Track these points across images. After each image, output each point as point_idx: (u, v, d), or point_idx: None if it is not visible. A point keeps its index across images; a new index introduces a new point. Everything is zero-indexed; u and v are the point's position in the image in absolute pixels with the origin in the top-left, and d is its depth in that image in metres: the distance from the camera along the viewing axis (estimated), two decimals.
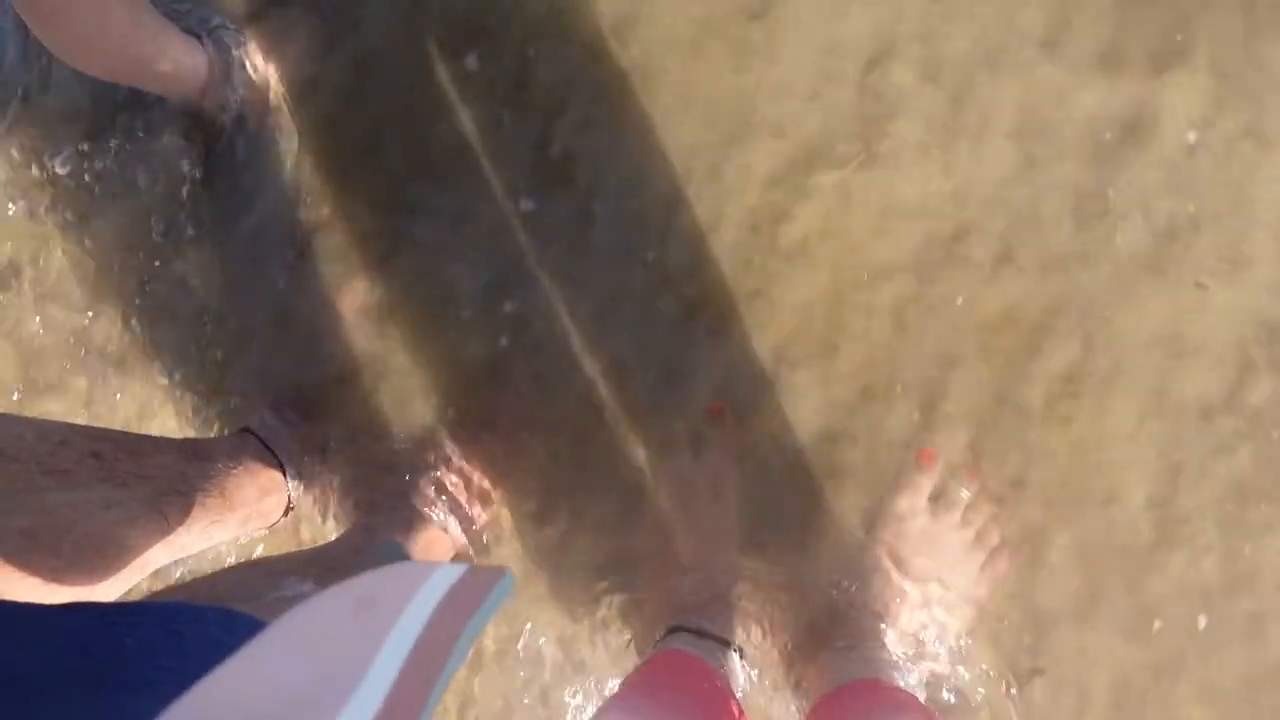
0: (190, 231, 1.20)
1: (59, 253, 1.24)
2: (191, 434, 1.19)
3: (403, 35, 1.18)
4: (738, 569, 1.11)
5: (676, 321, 1.14)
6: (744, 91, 1.13)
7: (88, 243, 1.22)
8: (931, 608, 1.09)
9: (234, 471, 1.01)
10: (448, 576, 0.41)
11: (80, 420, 1.22)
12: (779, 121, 1.13)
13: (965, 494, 1.10)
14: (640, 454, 1.14)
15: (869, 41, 1.11)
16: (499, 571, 0.42)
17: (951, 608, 1.09)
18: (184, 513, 0.92)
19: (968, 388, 1.11)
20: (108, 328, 1.22)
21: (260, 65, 1.15)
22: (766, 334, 1.13)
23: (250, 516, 1.03)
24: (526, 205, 1.16)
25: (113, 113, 1.22)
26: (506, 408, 1.14)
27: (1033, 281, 1.09)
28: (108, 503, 0.84)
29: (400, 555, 0.70)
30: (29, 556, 0.73)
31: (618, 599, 1.15)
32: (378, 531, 1.07)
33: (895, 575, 1.09)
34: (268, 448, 1.06)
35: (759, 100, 1.13)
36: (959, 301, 1.10)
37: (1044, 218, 1.09)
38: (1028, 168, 1.09)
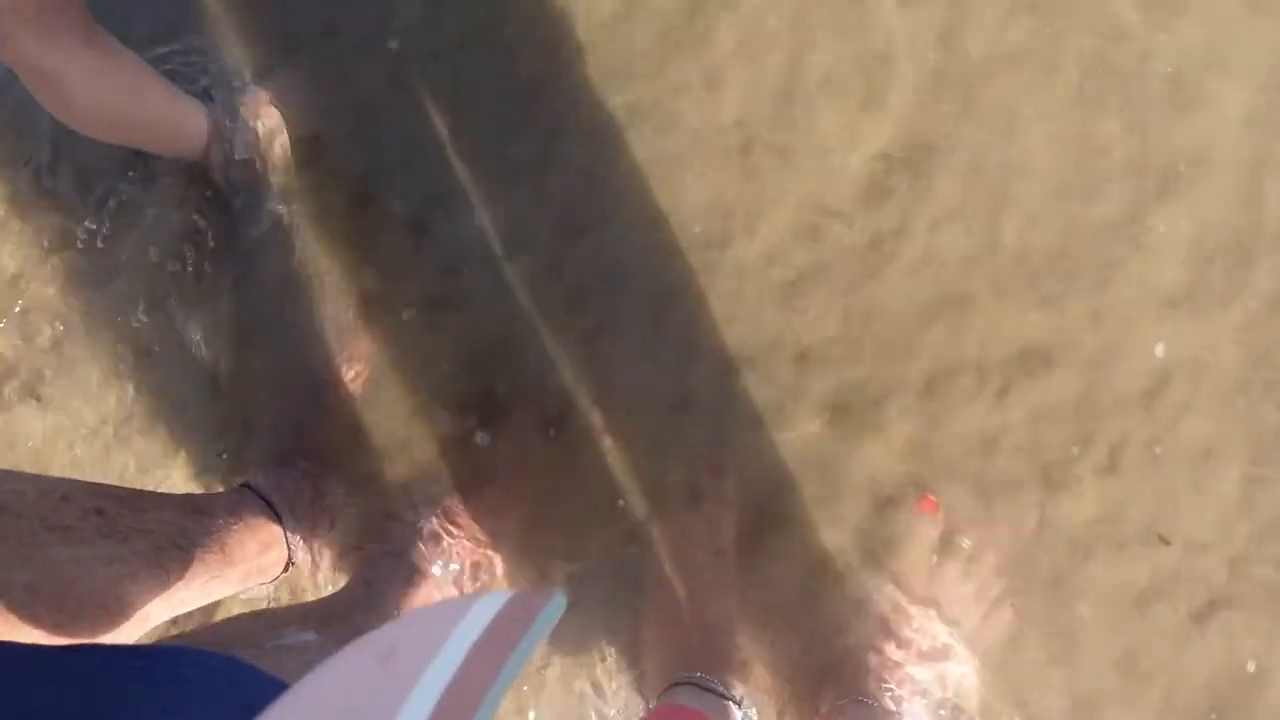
0: (192, 289, 1.22)
1: (60, 315, 1.25)
2: (194, 490, 1.20)
3: (404, 93, 1.20)
4: (739, 623, 1.11)
5: (675, 372, 1.15)
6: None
7: (90, 303, 1.24)
8: (934, 659, 1.08)
9: (234, 527, 1.01)
10: (487, 609, 0.39)
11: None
12: None
13: (967, 544, 1.10)
14: (640, 507, 1.15)
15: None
16: (546, 595, 0.39)
17: (955, 659, 1.08)
18: (184, 568, 0.92)
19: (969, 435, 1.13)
20: (111, 384, 1.23)
21: (263, 125, 1.18)
22: (770, 390, 1.14)
23: (250, 572, 1.03)
24: (526, 263, 1.18)
25: (115, 173, 1.24)
26: (506, 463, 1.15)
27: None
28: (109, 558, 0.84)
29: None
30: (33, 611, 0.73)
31: (620, 654, 1.15)
32: (377, 585, 1.07)
33: (898, 627, 1.08)
34: (268, 503, 1.07)
35: None
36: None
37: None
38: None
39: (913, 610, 1.08)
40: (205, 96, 1.17)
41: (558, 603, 0.38)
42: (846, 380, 1.13)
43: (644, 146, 1.17)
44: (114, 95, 1.00)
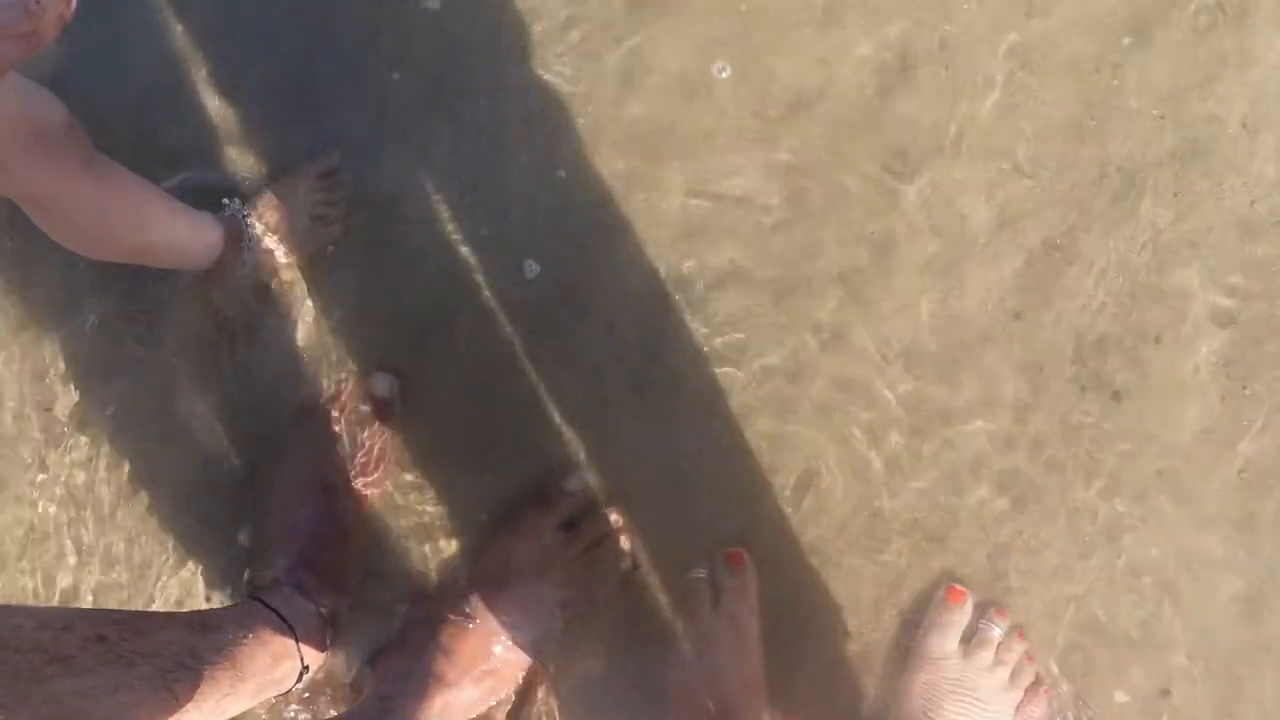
0: (203, 399, 1.22)
1: (77, 431, 1.24)
2: (202, 604, 1.18)
3: (416, 192, 1.22)
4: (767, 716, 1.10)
5: (692, 465, 1.16)
6: None
7: (102, 410, 1.23)
8: None
9: (244, 641, 0.99)
10: None
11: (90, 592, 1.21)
12: None
13: (998, 632, 1.08)
14: (660, 604, 1.15)
15: None
16: None
17: None
18: (193, 688, 0.90)
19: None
20: (119, 494, 1.22)
21: (273, 234, 1.18)
22: (788, 477, 1.15)
23: (263, 686, 1.01)
24: (549, 364, 1.19)
25: (124, 285, 1.24)
26: (523, 563, 1.13)
27: None
28: (114, 686, 0.82)
29: None
30: None
31: None
32: (393, 701, 1.05)
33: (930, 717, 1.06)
34: (278, 614, 1.05)
35: None
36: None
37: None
38: None
39: (945, 703, 1.05)
40: (215, 206, 1.17)
41: None
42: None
43: None
44: (117, 219, 1.00)
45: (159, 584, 1.19)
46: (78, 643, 0.82)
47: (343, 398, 1.18)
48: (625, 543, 1.14)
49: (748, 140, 1.17)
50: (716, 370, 1.16)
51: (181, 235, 1.10)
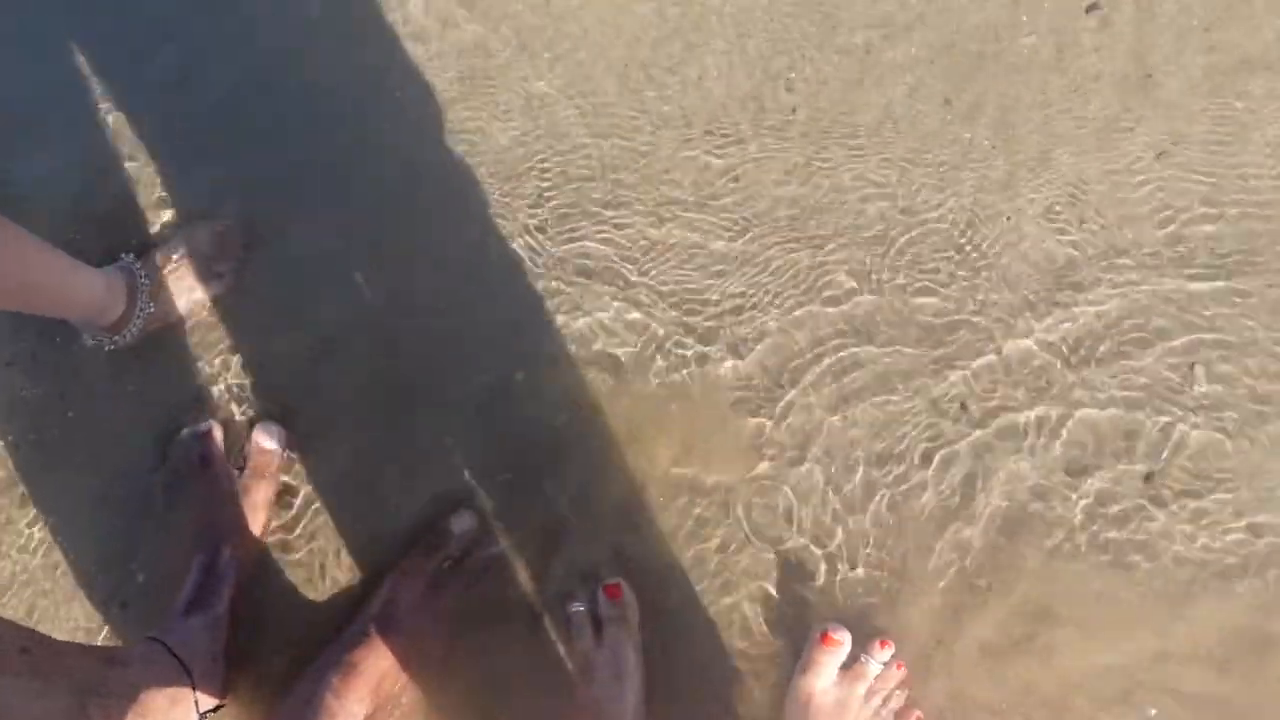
0: (94, 449, 1.23)
1: None
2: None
3: (309, 238, 1.29)
4: None
5: (572, 501, 1.23)
6: None
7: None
8: None
9: (147, 680, 0.99)
10: None
11: None
12: None
13: (875, 666, 1.15)
14: (543, 638, 1.19)
15: None
16: None
17: None
18: (105, 716, 0.91)
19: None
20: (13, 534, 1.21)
21: (165, 288, 1.23)
22: (671, 515, 1.23)
23: None
24: (433, 399, 1.25)
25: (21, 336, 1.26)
26: (414, 599, 1.16)
27: None
28: (40, 693, 0.83)
29: None
30: None
31: None
32: None
33: None
34: (175, 656, 1.05)
35: None
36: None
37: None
38: None
39: None
40: (108, 260, 1.21)
41: None
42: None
43: None
44: None
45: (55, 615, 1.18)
46: (5, 647, 0.83)
47: (221, 447, 1.22)
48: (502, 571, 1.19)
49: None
50: (600, 396, 1.24)
51: (63, 281, 1.11)
